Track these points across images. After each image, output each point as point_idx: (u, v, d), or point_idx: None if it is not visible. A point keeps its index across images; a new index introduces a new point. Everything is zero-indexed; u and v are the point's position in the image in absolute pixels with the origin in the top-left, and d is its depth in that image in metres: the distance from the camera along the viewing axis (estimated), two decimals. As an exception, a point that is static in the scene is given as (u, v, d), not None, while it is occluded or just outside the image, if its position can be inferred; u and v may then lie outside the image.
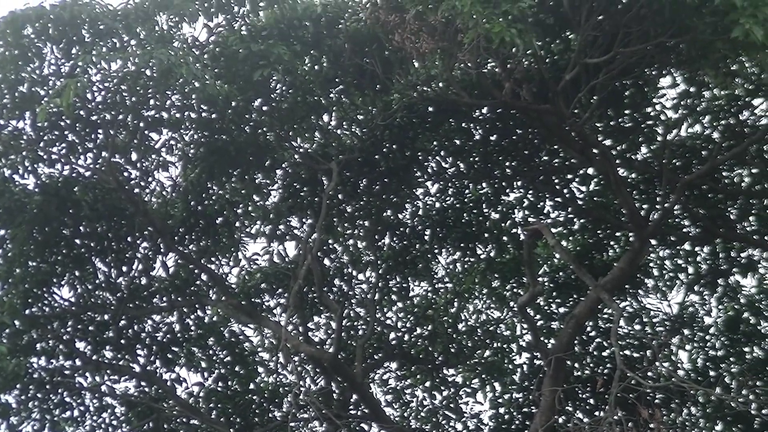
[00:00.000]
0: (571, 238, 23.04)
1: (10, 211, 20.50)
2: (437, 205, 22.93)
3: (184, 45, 19.81)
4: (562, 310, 23.35)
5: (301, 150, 21.30)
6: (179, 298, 23.14)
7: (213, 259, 23.27)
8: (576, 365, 23.20)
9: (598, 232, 22.71)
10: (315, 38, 19.23)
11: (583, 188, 22.20)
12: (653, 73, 19.05)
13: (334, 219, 22.29)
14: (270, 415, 24.55)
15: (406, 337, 25.08)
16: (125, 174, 21.33)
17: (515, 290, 23.63)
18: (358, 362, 22.33)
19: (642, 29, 16.15)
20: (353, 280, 24.18)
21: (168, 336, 23.65)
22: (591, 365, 23.41)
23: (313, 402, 22.61)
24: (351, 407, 23.99)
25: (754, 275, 23.23)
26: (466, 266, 23.98)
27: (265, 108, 20.34)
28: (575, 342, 22.04)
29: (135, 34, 19.48)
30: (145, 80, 19.10)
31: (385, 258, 23.43)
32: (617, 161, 20.51)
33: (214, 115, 20.36)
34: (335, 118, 20.99)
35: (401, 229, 23.20)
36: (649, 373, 21.71)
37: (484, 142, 20.99)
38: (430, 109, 19.96)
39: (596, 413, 22.03)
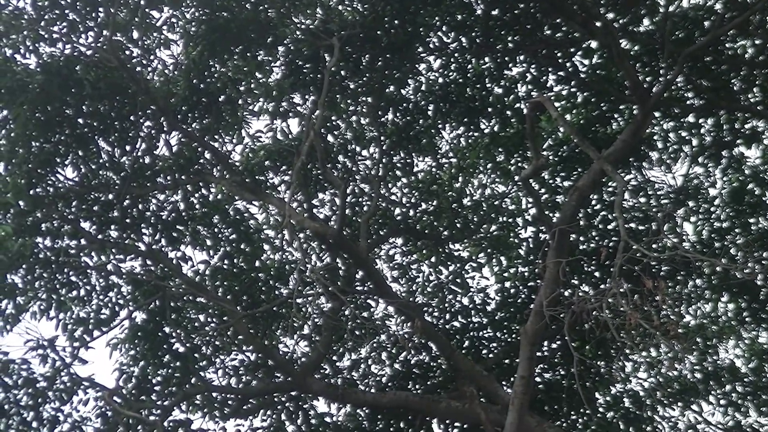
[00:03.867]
0: (574, 111, 23.06)
1: (12, 91, 20.62)
2: (440, 80, 22.94)
3: None
4: (566, 183, 23.36)
5: (302, 26, 21.40)
6: (183, 177, 23.22)
7: (216, 137, 23.39)
8: (580, 238, 23.35)
9: (602, 105, 22.75)
10: None
11: (586, 61, 22.20)
12: None
13: (337, 95, 22.37)
14: (276, 292, 24.59)
15: (411, 213, 25.20)
16: (127, 52, 21.50)
17: (519, 164, 23.63)
18: (362, 238, 22.44)
19: None
20: (357, 157, 24.25)
21: (173, 214, 23.74)
22: (595, 238, 23.57)
23: (319, 278, 22.81)
24: (356, 283, 24.25)
25: (758, 146, 23.32)
26: (469, 141, 24.04)
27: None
28: (579, 215, 22.12)
29: None
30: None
31: (388, 134, 23.49)
32: (619, 34, 20.59)
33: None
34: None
35: (404, 104, 23.21)
36: (654, 245, 21.77)
37: (486, 16, 21.01)
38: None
39: (601, 285, 22.21)
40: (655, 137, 23.15)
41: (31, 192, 21.51)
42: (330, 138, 23.31)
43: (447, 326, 25.32)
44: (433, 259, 25.61)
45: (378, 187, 23.97)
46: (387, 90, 22.71)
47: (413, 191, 25.10)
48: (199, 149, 23.06)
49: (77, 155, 22.28)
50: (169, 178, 23.23)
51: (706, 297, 25.19)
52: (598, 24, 19.93)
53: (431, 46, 22.11)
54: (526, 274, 24.92)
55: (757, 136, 23.00)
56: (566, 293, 20.69)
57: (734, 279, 23.77)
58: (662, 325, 17.91)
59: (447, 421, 24.77)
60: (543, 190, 23.83)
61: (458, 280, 25.61)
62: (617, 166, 20.96)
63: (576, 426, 25.43)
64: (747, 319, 25.18)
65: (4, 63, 20.56)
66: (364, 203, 23.98)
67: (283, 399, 25.35)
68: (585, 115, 22.89)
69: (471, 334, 25.38)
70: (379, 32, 20.87)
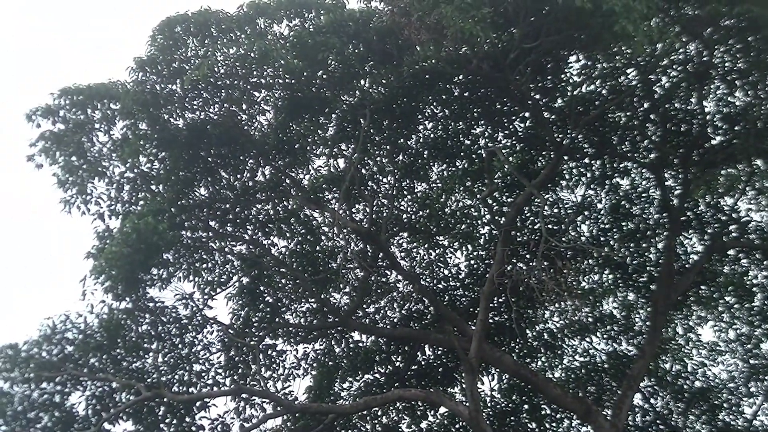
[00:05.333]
0: (514, 155, 23.17)
1: (167, 140, 20.85)
2: (431, 135, 23.02)
3: (274, 37, 20.43)
4: (509, 200, 23.46)
5: (347, 102, 21.54)
6: (272, 194, 23.43)
7: (293, 169, 23.43)
8: (518, 234, 23.23)
9: (532, 151, 22.85)
10: (355, 32, 19.85)
11: (522, 125, 22.36)
12: (565, 53, 19.26)
13: (368, 144, 22.41)
14: (329, 265, 24.68)
15: (413, 218, 25.14)
16: (238, 117, 21.61)
17: (480, 188, 23.64)
18: (383, 233, 22.56)
19: (557, 26, 16.47)
20: (380, 182, 24.22)
21: (266, 217, 23.86)
22: (527, 233, 23.49)
23: (356, 257, 23.14)
24: (379, 261, 24.33)
25: (628, 178, 23.67)
26: (449, 173, 24.08)
27: (324, 76, 20.66)
28: (518, 219, 22.40)
29: (243, 30, 20.28)
30: (250, 60, 19.50)
31: (399, 168, 23.52)
32: (542, 108, 20.79)
33: (293, 81, 20.68)
34: (368, 82, 21.10)
35: (409, 150, 23.26)
36: (563, 239, 22.05)
37: (461, 96, 21.17)
38: (427, 76, 20.08)
39: (530, 264, 22.26)
40: (564, 172, 23.18)
41: (178, 202, 21.58)
42: (363, 171, 23.25)
43: (435, 288, 25.36)
44: (426, 246, 25.64)
45: (392, 202, 24.10)
46: (398, 141, 22.76)
47: (414, 204, 25.08)
48: (283, 177, 23.11)
49: (207, 180, 22.33)
50: (264, 195, 23.32)
51: (595, 271, 25.29)
52: (530, 102, 20.16)
53: (426, 114, 22.22)
54: (483, 255, 24.91)
55: (628, 172, 23.20)
56: (509, 268, 20.89)
57: (612, 261, 24.06)
58: (568, 289, 18.13)
59: (434, 347, 25.14)
60: (495, 204, 23.85)
61: (441, 259, 25.71)
62: (541, 189, 21.19)
63: (514, 350, 25.67)
64: (620, 284, 25.32)
65: (162, 124, 20.70)
66: (384, 211, 23.97)
67: (332, 332, 25.59)
68: (521, 158, 22.96)
69: (450, 293, 25.49)
70: (394, 105, 20.95)
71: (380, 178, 24.23)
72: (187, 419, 22.38)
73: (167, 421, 22.19)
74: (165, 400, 21.53)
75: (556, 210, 24.09)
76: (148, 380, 21.96)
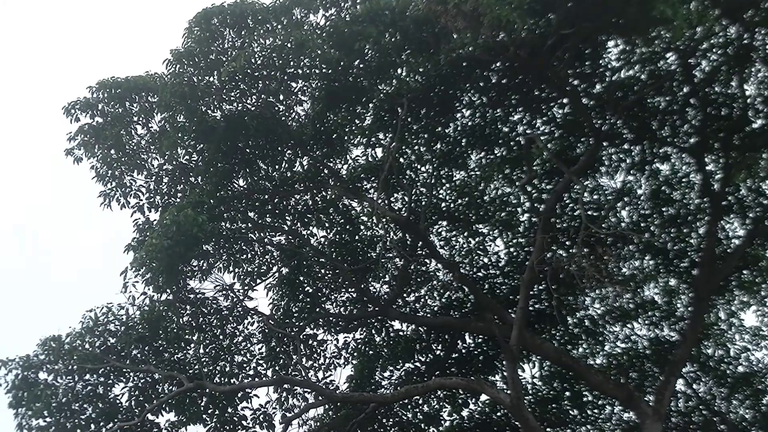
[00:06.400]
0: (553, 141, 23.03)
1: (205, 132, 21.00)
2: (469, 123, 22.89)
3: (310, 27, 20.49)
4: (548, 187, 23.35)
5: (384, 91, 21.54)
6: (310, 184, 23.49)
7: (331, 159, 23.50)
8: (558, 221, 23.17)
9: (570, 137, 22.68)
10: (391, 21, 19.83)
11: (560, 111, 22.23)
12: (603, 38, 19.15)
13: (405, 133, 22.40)
14: (368, 255, 24.69)
15: (452, 206, 25.06)
16: (275, 108, 21.67)
17: (519, 175, 23.54)
18: (421, 222, 22.70)
19: (595, 11, 16.36)
20: (418, 171, 24.24)
21: (305, 207, 23.91)
22: (567, 220, 23.41)
23: (395, 246, 23.20)
24: (418, 250, 24.32)
25: (668, 163, 23.42)
26: (488, 160, 24.00)
27: (361, 65, 20.74)
28: (557, 206, 22.30)
29: (280, 21, 20.35)
30: (286, 51, 19.56)
31: (437, 156, 23.49)
32: (581, 94, 20.67)
33: (329, 71, 20.71)
34: (405, 71, 21.08)
35: (447, 138, 23.17)
36: (603, 225, 21.97)
37: (498, 84, 21.05)
38: (464, 64, 19.99)
39: (570, 251, 22.18)
40: (604, 158, 23.05)
41: (217, 194, 21.73)
42: (401, 159, 23.26)
43: (474, 276, 25.32)
44: (465, 234, 25.50)
45: (431, 190, 24.15)
46: (436, 129, 22.71)
47: (453, 192, 25.00)
48: (321, 167, 23.18)
49: (245, 171, 22.50)
50: (302, 185, 23.40)
51: (636, 257, 25.13)
52: (568, 88, 20.06)
53: (464, 101, 22.06)
54: (523, 243, 24.87)
55: (668, 157, 23.00)
56: (549, 255, 20.89)
57: (653, 247, 23.92)
58: (608, 275, 18.07)
59: (474, 335, 25.14)
60: (534, 191, 23.74)
61: (481, 247, 25.63)
62: (580, 176, 21.10)
63: (555, 337, 25.72)
64: (661, 270, 25.13)
65: (201, 116, 20.81)
66: (422, 200, 23.97)
67: (372, 321, 25.67)
68: (560, 145, 22.80)
69: (489, 281, 25.47)
70: (431, 94, 20.85)
71: (418, 166, 24.21)
72: (229, 410, 22.65)
73: (209, 411, 22.48)
74: (207, 390, 21.80)
75: (595, 196, 23.90)
76: (190, 371, 22.23)
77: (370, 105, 22.03)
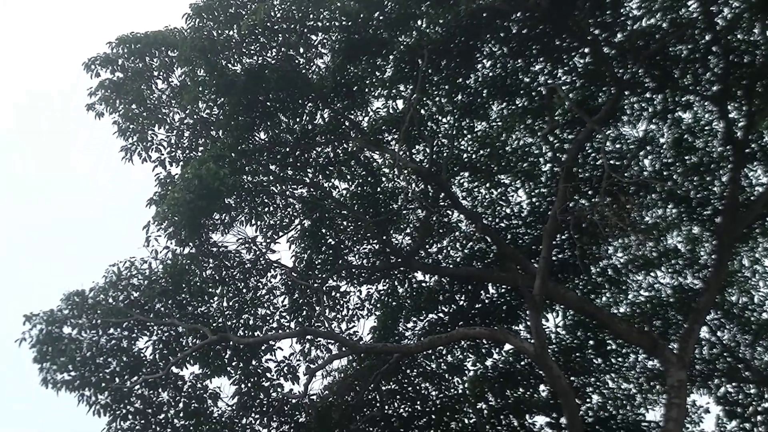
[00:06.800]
0: (574, 91, 23.11)
1: (226, 86, 21.23)
2: (490, 74, 23.06)
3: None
4: (571, 137, 23.40)
5: (404, 42, 21.74)
6: (332, 137, 23.74)
7: (352, 112, 23.71)
8: (580, 170, 23.25)
9: (592, 87, 22.74)
10: (411, -29, 19.85)
11: (582, 61, 22.33)
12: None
13: (426, 84, 22.53)
14: (390, 206, 25.00)
15: (474, 157, 25.17)
16: (295, 61, 21.91)
17: (541, 125, 23.56)
18: (443, 173, 22.92)
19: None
20: (439, 123, 24.40)
21: (326, 160, 24.13)
22: (589, 170, 23.50)
23: (417, 198, 23.45)
24: (440, 201, 24.59)
25: (690, 111, 23.54)
26: (509, 111, 24.11)
27: (381, 17, 20.92)
28: (579, 156, 22.40)
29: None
30: (306, 3, 19.83)
31: (458, 107, 23.64)
32: (602, 43, 20.81)
33: (349, 23, 20.93)
34: (425, 22, 21.27)
35: (468, 89, 23.28)
36: (626, 174, 22.12)
37: (519, 34, 21.16)
38: (485, 14, 20.17)
39: (593, 200, 22.27)
40: (626, 107, 23.17)
41: (238, 147, 21.87)
42: (422, 111, 23.42)
43: (497, 226, 25.47)
44: (487, 185, 25.62)
45: (452, 141, 24.35)
46: (457, 80, 22.86)
47: (474, 143, 25.14)
48: (342, 119, 23.43)
49: (266, 124, 22.70)
50: (323, 137, 23.63)
51: (659, 205, 25.29)
52: (589, 37, 20.23)
53: (484, 52, 22.21)
54: (545, 193, 24.96)
55: (690, 105, 23.11)
56: (571, 205, 21.11)
57: (675, 194, 24.08)
58: (631, 224, 18.32)
59: (497, 285, 25.41)
60: (556, 141, 23.87)
61: (503, 198, 25.76)
62: (602, 125, 21.26)
63: (578, 287, 25.89)
64: (684, 218, 25.30)
65: (221, 69, 21.07)
66: (444, 151, 24.16)
67: (395, 272, 25.95)
68: (581, 94, 22.88)
69: (512, 231, 25.57)
70: (451, 45, 21.04)
71: (439, 118, 24.31)
72: (253, 362, 23.02)
73: (233, 364, 22.84)
74: (231, 343, 22.19)
75: (617, 145, 23.95)
76: (214, 324, 22.51)
77: (391, 57, 22.16)
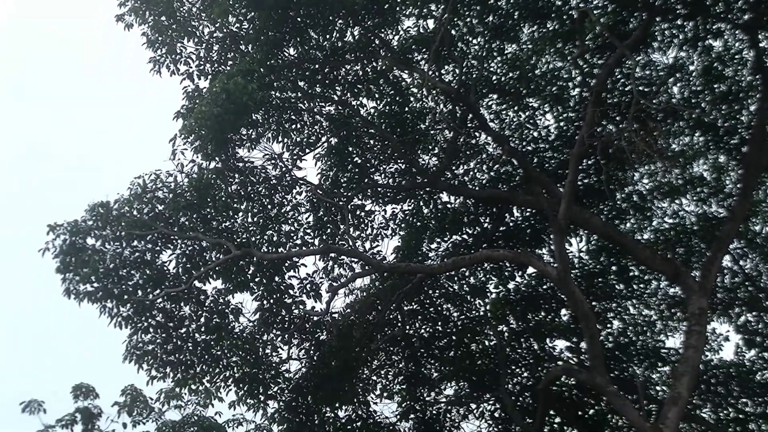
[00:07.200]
0: (606, 15, 22.88)
1: (256, 0, 21.35)
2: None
3: None
4: (600, 61, 23.33)
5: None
6: (361, 55, 23.95)
7: (382, 30, 23.84)
8: (608, 96, 23.28)
9: (624, 12, 22.58)
10: None
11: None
12: None
13: (458, 4, 22.51)
14: (418, 126, 25.24)
15: (503, 79, 25.24)
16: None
17: (571, 49, 23.62)
18: (472, 94, 23.10)
19: None
20: (469, 43, 24.50)
21: (355, 77, 24.33)
22: (618, 95, 23.52)
23: (445, 118, 23.71)
24: (468, 122, 24.75)
25: (720, 39, 23.55)
26: (540, 34, 24.23)
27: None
28: (608, 81, 22.43)
29: None
30: None
31: (489, 29, 23.73)
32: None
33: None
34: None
35: (499, 11, 23.40)
36: (654, 100, 22.25)
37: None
38: None
39: (621, 126, 22.08)
40: (656, 33, 23.23)
41: (267, 63, 22.06)
42: (453, 31, 23.49)
43: (524, 149, 25.58)
44: (515, 108, 25.75)
45: (482, 63, 24.54)
46: (488, 2, 22.99)
47: (504, 65, 25.27)
48: (372, 37, 23.62)
49: (296, 40, 22.86)
50: (353, 55, 23.84)
51: (686, 133, 25.51)
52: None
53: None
54: (573, 117, 25.11)
55: (721, 33, 23.18)
56: (598, 130, 21.33)
57: (702, 122, 24.26)
58: (658, 150, 18.58)
59: (522, 208, 25.74)
60: (585, 66, 24.01)
61: (531, 121, 25.90)
62: (633, 51, 21.35)
63: (603, 212, 26.13)
64: (711, 146, 25.55)
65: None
66: (473, 72, 24.29)
67: (421, 193, 26.28)
68: (612, 18, 22.91)
69: (539, 154, 25.70)
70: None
71: (470, 38, 24.36)
72: (276, 278, 23.56)
73: (256, 280, 23.40)
74: (254, 259, 22.65)
75: (647, 72, 24.09)
76: (238, 240, 22.91)
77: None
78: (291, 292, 23.89)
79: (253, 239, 23.48)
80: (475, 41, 24.54)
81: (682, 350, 19.69)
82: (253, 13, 22.22)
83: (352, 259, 24.37)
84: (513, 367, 27.47)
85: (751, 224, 27.22)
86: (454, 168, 26.18)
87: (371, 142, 25.31)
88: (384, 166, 25.65)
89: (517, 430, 26.63)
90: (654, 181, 26.77)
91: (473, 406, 27.63)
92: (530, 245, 26.20)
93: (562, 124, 25.63)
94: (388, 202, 25.87)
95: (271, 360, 24.27)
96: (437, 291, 26.90)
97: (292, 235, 24.39)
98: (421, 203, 26.54)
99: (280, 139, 24.04)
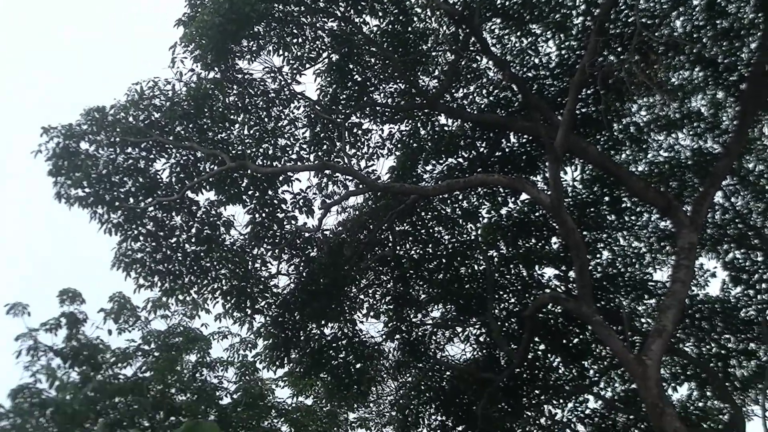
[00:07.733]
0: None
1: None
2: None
3: None
4: None
5: None
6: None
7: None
8: (611, 26, 22.90)
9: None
10: None
11: None
12: None
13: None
14: (419, 47, 25.19)
15: (507, 3, 24.87)
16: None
17: None
18: (475, 17, 22.87)
19: None
20: None
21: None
22: (620, 26, 23.09)
23: (447, 40, 23.84)
24: (470, 45, 24.75)
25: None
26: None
27: None
28: (612, 11, 22.40)
29: None
30: None
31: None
32: None
33: None
34: None
35: None
36: (656, 33, 22.46)
37: None
38: None
39: (622, 56, 22.30)
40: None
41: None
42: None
43: (524, 75, 25.68)
44: (518, 34, 25.74)
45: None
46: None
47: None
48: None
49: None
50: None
51: (686, 67, 25.77)
52: None
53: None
54: (575, 46, 25.14)
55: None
56: (600, 59, 21.57)
57: (703, 57, 24.51)
58: (658, 83, 18.92)
59: (519, 134, 25.97)
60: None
61: (533, 48, 25.96)
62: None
63: (599, 142, 26.39)
64: (710, 82, 25.75)
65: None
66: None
67: (419, 113, 26.42)
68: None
69: (539, 81, 25.77)
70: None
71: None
72: (270, 192, 24.02)
73: (250, 193, 23.88)
74: (248, 172, 23.05)
75: (651, 4, 24.03)
76: (233, 152, 23.28)
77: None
78: (283, 206, 24.29)
79: (249, 152, 23.75)
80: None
81: (670, 284, 20.01)
82: None
83: (347, 176, 24.60)
84: (501, 293, 28.11)
85: (745, 162, 27.64)
86: (453, 91, 26.29)
87: (372, 60, 25.33)
88: (384, 86, 25.73)
89: (501, 355, 27.29)
90: (652, 114, 27.10)
91: (459, 329, 28.34)
92: (525, 172, 26.45)
93: (563, 52, 25.67)
94: (385, 122, 26.06)
95: (259, 274, 24.69)
96: (429, 213, 27.25)
97: (287, 149, 24.66)
98: (419, 124, 26.73)
99: (280, 52, 24.00)
